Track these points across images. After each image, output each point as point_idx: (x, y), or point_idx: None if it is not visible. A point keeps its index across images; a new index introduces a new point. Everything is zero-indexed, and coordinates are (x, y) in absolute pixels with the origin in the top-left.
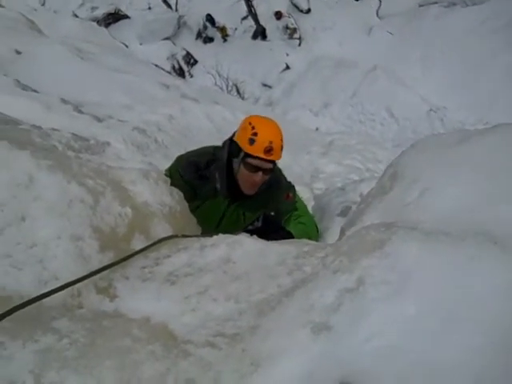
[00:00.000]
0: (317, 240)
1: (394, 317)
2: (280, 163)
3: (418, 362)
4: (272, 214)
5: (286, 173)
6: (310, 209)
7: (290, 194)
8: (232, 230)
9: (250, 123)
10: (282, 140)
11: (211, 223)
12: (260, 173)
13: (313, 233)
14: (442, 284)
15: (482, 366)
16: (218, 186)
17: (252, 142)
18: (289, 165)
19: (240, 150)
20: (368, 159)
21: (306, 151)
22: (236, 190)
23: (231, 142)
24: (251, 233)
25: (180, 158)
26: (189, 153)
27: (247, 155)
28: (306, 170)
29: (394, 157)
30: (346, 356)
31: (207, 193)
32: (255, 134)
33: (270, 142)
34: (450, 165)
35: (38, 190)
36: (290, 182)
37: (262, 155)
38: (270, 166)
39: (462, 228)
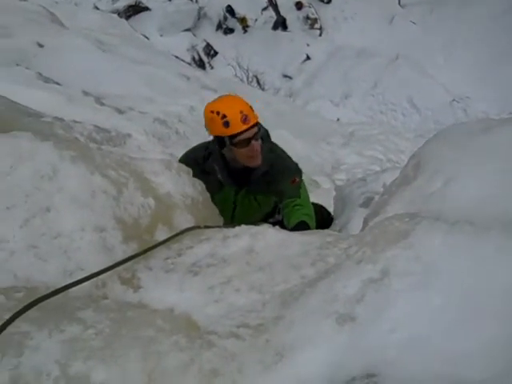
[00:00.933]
0: None
1: (419, 308)
2: (300, 153)
3: (443, 353)
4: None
5: (306, 163)
6: (331, 200)
7: (297, 179)
8: (249, 217)
9: (212, 112)
10: (246, 103)
11: (226, 215)
12: (253, 141)
13: (314, 223)
14: (467, 275)
15: (506, 357)
16: (220, 176)
17: (227, 124)
18: (309, 155)
19: (223, 140)
20: (390, 150)
21: (326, 142)
22: (239, 176)
23: (214, 139)
24: (273, 225)
25: (180, 159)
26: (185, 152)
27: (232, 137)
28: (326, 161)
29: (416, 147)
30: (370, 347)
31: (213, 187)
32: (224, 117)
33: (241, 112)
34: (474, 155)
35: (62, 181)
36: (296, 164)
37: (243, 127)
38: (255, 130)
39: (486, 218)
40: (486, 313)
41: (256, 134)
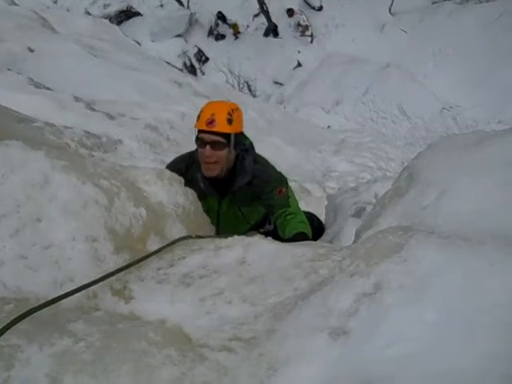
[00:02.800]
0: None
1: (413, 323)
2: (292, 161)
3: (437, 370)
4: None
5: (297, 170)
6: (322, 208)
7: (283, 189)
8: (235, 228)
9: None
10: (229, 113)
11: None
12: (207, 147)
13: (309, 229)
14: (461, 290)
15: (502, 373)
16: (202, 185)
17: (197, 118)
18: (300, 163)
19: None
20: (380, 157)
21: (317, 149)
22: (219, 186)
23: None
24: (265, 235)
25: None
26: (170, 162)
27: (197, 133)
28: (317, 169)
29: (406, 155)
30: (364, 362)
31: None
32: (201, 112)
33: (212, 115)
34: (467, 167)
35: (53, 191)
36: (280, 173)
37: (204, 127)
38: (216, 138)
39: (480, 232)
40: (481, 328)
41: (216, 143)
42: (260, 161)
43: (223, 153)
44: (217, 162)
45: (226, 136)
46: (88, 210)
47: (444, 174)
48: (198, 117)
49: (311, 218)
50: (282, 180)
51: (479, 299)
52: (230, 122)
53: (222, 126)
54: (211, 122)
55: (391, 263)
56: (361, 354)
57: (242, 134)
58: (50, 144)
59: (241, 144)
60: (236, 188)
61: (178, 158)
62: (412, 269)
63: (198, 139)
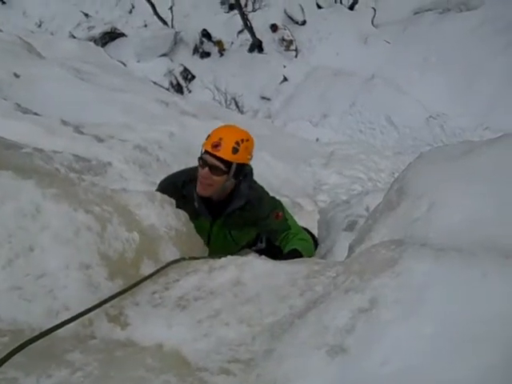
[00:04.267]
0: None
1: (410, 338)
2: (282, 175)
3: (435, 382)
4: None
5: (288, 185)
6: (314, 222)
7: (280, 213)
8: (224, 250)
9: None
10: (237, 142)
11: None
12: (206, 169)
13: (313, 248)
14: (456, 301)
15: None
16: (196, 204)
17: (207, 138)
18: (290, 177)
19: None
20: (370, 168)
21: (307, 163)
22: (213, 208)
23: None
24: (259, 253)
25: (160, 182)
26: (166, 176)
27: (202, 151)
28: (308, 183)
29: (395, 165)
30: (363, 379)
31: (189, 213)
32: (212, 132)
33: (220, 139)
34: (457, 178)
35: (45, 220)
36: (274, 198)
37: (209, 149)
38: (216, 163)
39: (472, 243)
40: (478, 340)
41: (215, 167)
42: (255, 188)
43: (220, 179)
44: (211, 185)
45: (227, 164)
46: (81, 237)
47: (434, 185)
48: (208, 136)
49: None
50: (276, 204)
51: (474, 310)
52: (235, 150)
53: (225, 153)
54: (216, 146)
55: (386, 278)
56: (359, 370)
57: (245, 164)
58: (39, 171)
59: (242, 174)
60: (229, 212)
61: (178, 172)
62: (406, 283)
63: (201, 157)
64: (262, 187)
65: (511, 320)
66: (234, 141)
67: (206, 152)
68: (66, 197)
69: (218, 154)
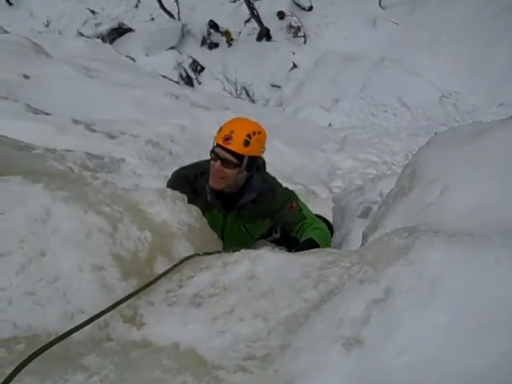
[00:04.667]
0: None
1: (426, 327)
2: (296, 163)
3: (453, 373)
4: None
5: (302, 172)
6: (329, 209)
7: (294, 204)
8: (239, 242)
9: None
10: (249, 135)
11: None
12: (218, 162)
13: (329, 237)
14: (470, 289)
15: None
16: (209, 197)
17: (219, 131)
18: (304, 164)
19: None
20: (384, 152)
21: (320, 149)
22: (226, 200)
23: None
24: (275, 243)
25: (172, 174)
26: (178, 169)
27: (214, 145)
28: (322, 168)
29: (409, 147)
30: (380, 371)
31: (202, 206)
32: (223, 125)
33: (231, 132)
34: (469, 161)
35: (56, 223)
36: (287, 189)
37: (220, 142)
38: (228, 156)
39: (486, 227)
40: (494, 327)
41: (227, 161)
42: (268, 180)
43: (232, 172)
44: (223, 178)
45: (239, 157)
46: (92, 239)
47: (446, 169)
48: (220, 129)
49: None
50: (289, 195)
51: (488, 297)
52: (246, 143)
53: (236, 146)
54: (227, 139)
55: (399, 266)
56: (376, 362)
57: (258, 157)
58: (50, 173)
59: (254, 167)
60: (241, 204)
61: (190, 165)
62: (420, 271)
63: (212, 151)
64: (274, 178)
65: None
66: (246, 133)
67: (218, 145)
68: (75, 199)
69: (229, 147)
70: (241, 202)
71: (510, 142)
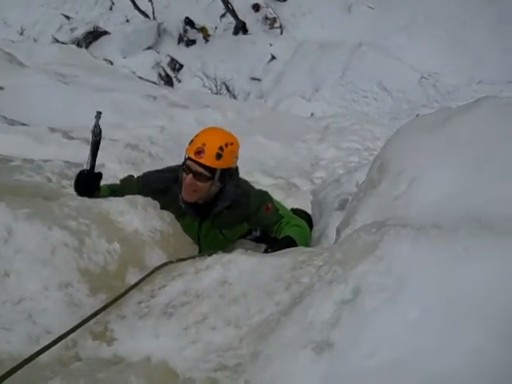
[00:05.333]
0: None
1: (396, 325)
2: (277, 156)
3: (427, 372)
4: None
5: (284, 165)
6: (309, 204)
7: (269, 205)
8: (216, 247)
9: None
10: (221, 148)
11: None
12: (190, 175)
13: (307, 232)
14: (439, 281)
15: (494, 365)
16: (182, 205)
17: (190, 142)
18: (286, 156)
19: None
20: (366, 138)
21: (302, 140)
22: (201, 208)
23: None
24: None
25: (144, 174)
26: (151, 171)
27: (186, 157)
28: (304, 159)
29: (390, 131)
30: (351, 375)
31: (175, 212)
32: (195, 137)
33: (203, 145)
34: (436, 149)
35: (19, 242)
36: (261, 191)
37: (192, 156)
38: (200, 170)
39: (453, 217)
40: (463, 319)
41: (199, 174)
42: (241, 185)
43: (204, 185)
44: (195, 191)
45: (212, 170)
46: (57, 256)
47: (413, 160)
48: (191, 141)
49: (300, 215)
50: (264, 198)
51: (457, 289)
52: (218, 156)
53: (208, 160)
54: (199, 153)
55: (367, 264)
56: (346, 366)
57: (231, 168)
58: (21, 186)
59: (227, 178)
60: (215, 212)
61: (160, 170)
62: (388, 267)
63: (184, 163)
64: (246, 182)
65: (496, 296)
66: (218, 146)
67: (190, 158)
68: (38, 216)
69: (201, 160)
70: (215, 210)
71: (475, 127)
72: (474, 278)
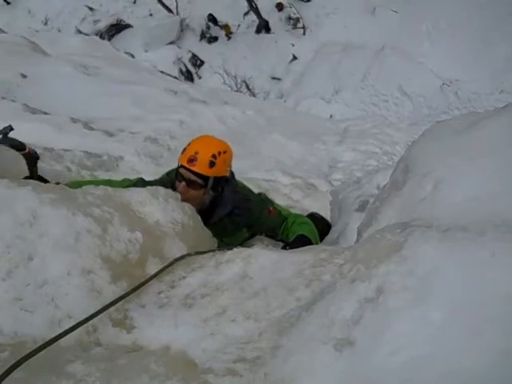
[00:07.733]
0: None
1: (419, 325)
2: (296, 156)
3: (447, 372)
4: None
5: (302, 165)
6: (327, 205)
7: (271, 208)
8: None
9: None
10: (214, 156)
11: None
12: (183, 183)
13: (314, 229)
14: (464, 285)
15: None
16: None
17: (183, 151)
18: (304, 157)
19: None
20: (385, 142)
21: (321, 141)
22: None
23: None
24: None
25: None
26: (148, 181)
27: (179, 165)
28: (323, 161)
29: (410, 137)
30: (371, 373)
31: None
32: (188, 145)
33: (196, 153)
34: (462, 153)
35: (43, 227)
36: (260, 194)
37: (185, 164)
38: (193, 178)
39: (480, 221)
40: (490, 324)
41: (192, 182)
42: (239, 190)
43: (197, 193)
44: (188, 199)
45: (204, 178)
46: (81, 242)
47: (439, 162)
48: (184, 149)
49: (315, 221)
50: (264, 201)
51: (483, 293)
52: (211, 164)
53: (201, 168)
54: (192, 161)
55: (391, 264)
56: (367, 364)
57: (224, 176)
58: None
59: (220, 186)
60: (215, 220)
61: (157, 180)
62: (413, 268)
63: (177, 171)
64: (244, 187)
65: None
66: (211, 154)
67: (182, 166)
68: (63, 201)
69: (193, 168)
70: (213, 219)
71: (502, 132)
72: (499, 284)
